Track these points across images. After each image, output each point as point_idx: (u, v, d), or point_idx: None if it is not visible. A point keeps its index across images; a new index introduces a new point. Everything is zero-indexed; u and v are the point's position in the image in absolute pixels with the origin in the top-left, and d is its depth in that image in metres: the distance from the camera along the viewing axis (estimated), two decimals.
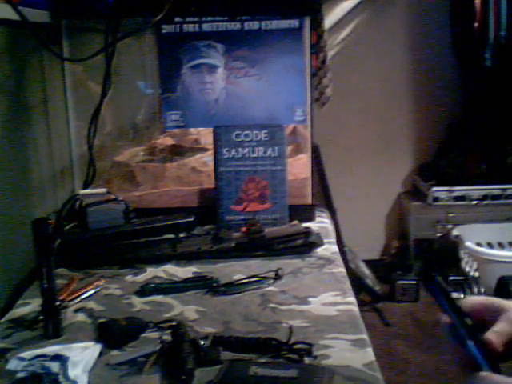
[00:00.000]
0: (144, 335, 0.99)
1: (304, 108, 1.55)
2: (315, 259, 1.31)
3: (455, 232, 2.84)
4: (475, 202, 2.94)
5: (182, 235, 1.37)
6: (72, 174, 1.62)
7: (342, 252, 2.15)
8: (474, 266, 2.70)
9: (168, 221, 1.39)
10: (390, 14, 3.03)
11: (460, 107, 3.05)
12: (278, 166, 1.47)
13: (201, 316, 1.06)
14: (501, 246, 2.94)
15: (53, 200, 1.56)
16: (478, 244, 2.82)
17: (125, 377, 0.87)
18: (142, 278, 1.24)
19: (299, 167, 1.58)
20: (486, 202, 2.93)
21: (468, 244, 2.73)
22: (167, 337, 0.95)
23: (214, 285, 1.16)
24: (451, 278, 2.72)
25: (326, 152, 2.58)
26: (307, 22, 1.52)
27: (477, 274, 2.68)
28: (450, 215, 2.94)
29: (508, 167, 2.94)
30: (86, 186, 1.55)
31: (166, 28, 1.54)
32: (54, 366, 0.84)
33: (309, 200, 1.57)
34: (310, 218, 1.54)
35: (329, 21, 2.80)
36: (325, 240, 1.38)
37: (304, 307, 1.08)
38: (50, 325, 0.99)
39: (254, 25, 1.52)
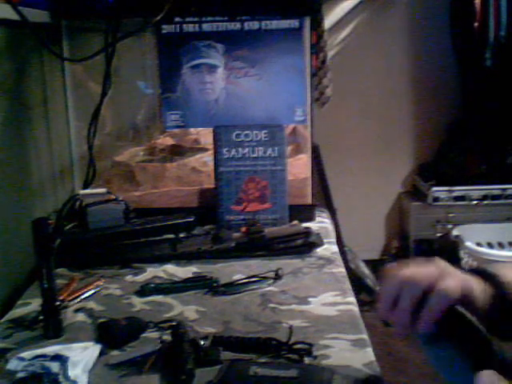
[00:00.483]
0: (144, 335, 0.99)
1: (304, 108, 1.55)
2: (315, 259, 1.31)
3: (455, 232, 2.83)
4: (475, 202, 2.93)
5: (182, 235, 1.37)
6: (72, 174, 1.62)
7: (342, 252, 2.15)
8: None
9: (168, 221, 1.39)
10: (390, 13, 3.02)
11: (460, 107, 3.04)
12: (277, 166, 1.47)
13: (201, 316, 1.06)
14: (501, 246, 2.93)
15: (53, 200, 1.56)
16: (478, 244, 2.81)
17: (124, 377, 0.87)
18: (141, 277, 1.24)
19: (299, 167, 1.58)
20: (485, 201, 2.93)
21: (468, 244, 2.72)
22: (167, 337, 0.95)
23: (214, 285, 1.16)
24: None
25: (326, 152, 2.57)
26: (307, 22, 1.52)
27: None
28: (450, 215, 2.94)
29: (508, 167, 2.94)
30: (86, 186, 1.56)
31: (166, 28, 1.54)
32: (54, 366, 0.84)
33: (309, 200, 1.57)
34: (310, 218, 1.54)
35: (329, 21, 2.80)
36: (325, 240, 1.37)
37: (304, 307, 1.08)
38: (50, 325, 0.99)
39: (254, 25, 1.52)
